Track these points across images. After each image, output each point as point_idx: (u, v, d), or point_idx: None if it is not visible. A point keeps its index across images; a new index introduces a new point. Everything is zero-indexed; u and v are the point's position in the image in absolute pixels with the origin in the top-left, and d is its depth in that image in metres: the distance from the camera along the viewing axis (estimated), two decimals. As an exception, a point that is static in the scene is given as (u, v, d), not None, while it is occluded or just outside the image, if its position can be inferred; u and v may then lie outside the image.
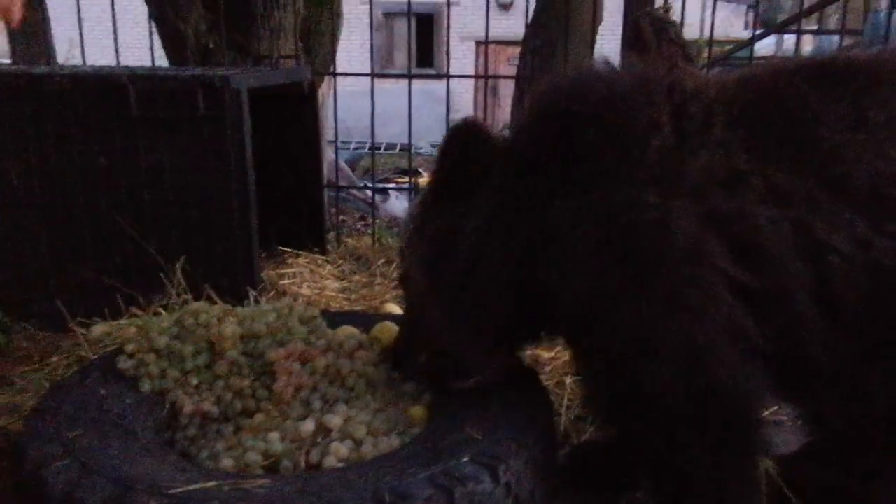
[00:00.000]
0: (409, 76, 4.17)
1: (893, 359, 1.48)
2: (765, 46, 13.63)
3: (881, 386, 1.51)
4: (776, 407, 2.44)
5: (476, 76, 7.40)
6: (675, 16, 4.09)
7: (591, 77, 1.66)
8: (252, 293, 2.79)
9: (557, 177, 1.56)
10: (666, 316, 1.45)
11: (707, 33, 4.85)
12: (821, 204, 1.42)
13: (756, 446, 1.60)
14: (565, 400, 2.36)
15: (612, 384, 1.60)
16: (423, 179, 6.75)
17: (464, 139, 1.71)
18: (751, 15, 21.17)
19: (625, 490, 2.02)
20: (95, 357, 2.23)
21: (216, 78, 2.68)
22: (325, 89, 4.98)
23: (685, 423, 1.52)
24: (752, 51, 5.15)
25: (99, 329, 2.58)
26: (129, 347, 1.93)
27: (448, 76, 4.16)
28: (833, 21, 14.12)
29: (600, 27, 5.75)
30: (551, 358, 2.64)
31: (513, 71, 7.45)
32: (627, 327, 1.48)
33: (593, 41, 5.72)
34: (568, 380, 2.46)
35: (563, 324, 1.70)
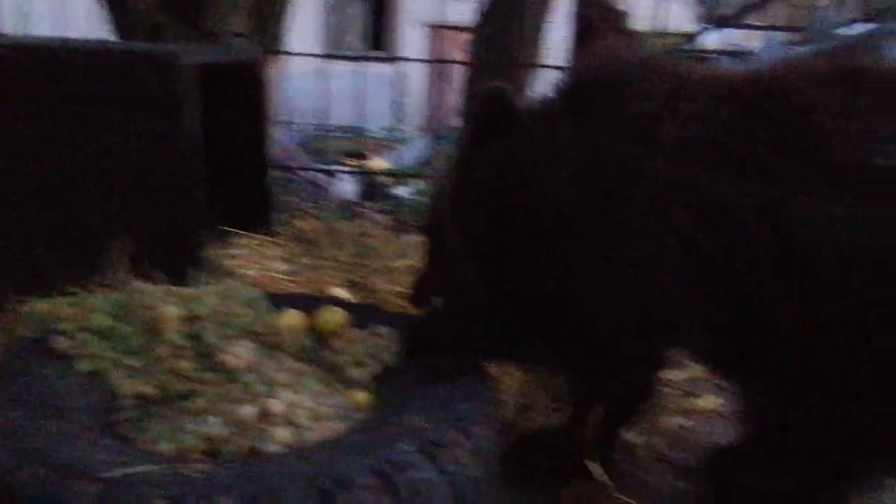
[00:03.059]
0: (362, 58, 4.13)
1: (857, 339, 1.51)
2: (711, 40, 13.83)
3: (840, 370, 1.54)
4: (720, 400, 2.50)
5: (429, 60, 7.35)
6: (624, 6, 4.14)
7: (614, 58, 1.92)
8: (196, 273, 2.75)
9: (566, 124, 1.79)
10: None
11: (657, 26, 4.89)
12: (796, 176, 1.50)
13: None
14: (512, 388, 2.38)
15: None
16: (371, 162, 6.70)
17: (494, 101, 1.93)
18: (697, 9, 21.46)
19: (569, 480, 2.05)
20: (30, 336, 2.18)
21: (167, 53, 2.63)
22: (274, 69, 4.92)
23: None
24: (700, 44, 5.20)
25: (36, 306, 2.52)
26: (66, 326, 1.89)
27: (400, 59, 4.13)
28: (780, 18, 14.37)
29: (551, 16, 5.79)
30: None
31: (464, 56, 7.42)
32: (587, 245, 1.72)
33: (544, 29, 5.77)
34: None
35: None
